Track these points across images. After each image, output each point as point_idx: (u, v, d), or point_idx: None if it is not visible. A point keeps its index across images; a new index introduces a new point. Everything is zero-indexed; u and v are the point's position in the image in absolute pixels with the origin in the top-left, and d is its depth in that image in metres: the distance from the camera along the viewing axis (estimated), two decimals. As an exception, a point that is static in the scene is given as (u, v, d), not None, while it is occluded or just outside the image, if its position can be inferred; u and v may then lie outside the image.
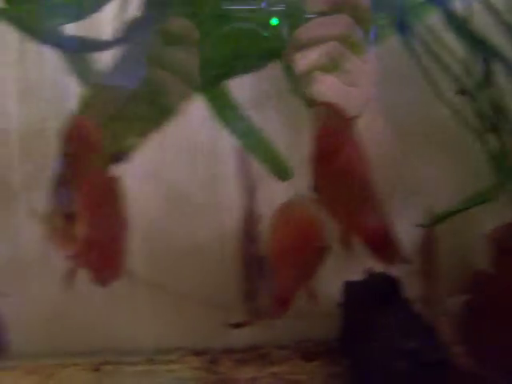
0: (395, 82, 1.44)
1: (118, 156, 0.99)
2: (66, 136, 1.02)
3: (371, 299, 1.27)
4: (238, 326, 1.03)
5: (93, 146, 1.01)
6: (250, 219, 1.20)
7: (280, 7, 1.15)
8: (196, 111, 1.28)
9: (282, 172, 1.20)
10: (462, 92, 1.24)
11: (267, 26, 1.12)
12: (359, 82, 1.05)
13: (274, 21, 1.11)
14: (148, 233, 1.45)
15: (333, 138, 1.04)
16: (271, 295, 1.22)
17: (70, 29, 1.04)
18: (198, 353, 1.50)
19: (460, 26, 1.21)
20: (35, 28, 0.97)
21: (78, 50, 0.95)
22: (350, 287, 1.37)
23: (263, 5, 1.13)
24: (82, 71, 0.98)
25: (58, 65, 1.40)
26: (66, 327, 1.50)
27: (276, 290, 1.19)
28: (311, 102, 1.12)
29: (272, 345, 1.51)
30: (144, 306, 1.49)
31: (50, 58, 1.40)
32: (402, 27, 1.26)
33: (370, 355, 1.13)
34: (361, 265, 1.22)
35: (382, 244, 1.03)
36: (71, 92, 1.40)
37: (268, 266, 1.16)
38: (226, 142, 1.34)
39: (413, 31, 1.28)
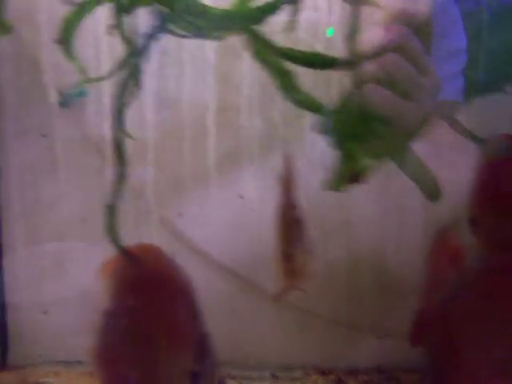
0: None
1: (355, 177, 0.97)
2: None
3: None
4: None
5: None
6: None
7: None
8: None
9: (433, 193, 1.17)
10: None
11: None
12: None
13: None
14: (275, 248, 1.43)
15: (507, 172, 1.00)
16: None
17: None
18: (322, 372, 1.47)
19: None
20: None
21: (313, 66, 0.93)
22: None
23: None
24: (286, 86, 0.96)
25: (197, 75, 1.42)
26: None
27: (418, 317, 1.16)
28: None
29: (398, 368, 1.46)
30: (269, 320, 1.47)
31: (189, 68, 1.41)
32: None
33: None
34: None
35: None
36: (208, 103, 1.42)
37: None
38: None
39: None
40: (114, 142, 0.94)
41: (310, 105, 0.94)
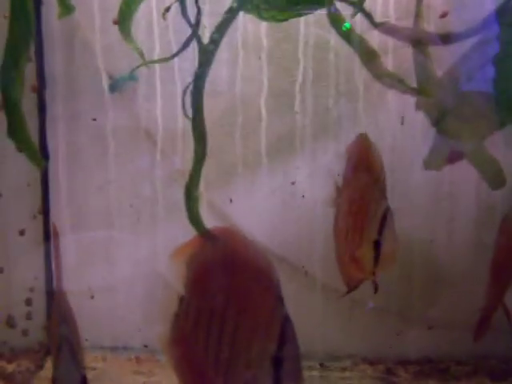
0: None
1: (455, 155, 0.95)
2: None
3: None
4: None
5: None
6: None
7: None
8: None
9: (497, 181, 1.14)
10: None
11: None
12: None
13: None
14: (325, 235, 1.42)
15: None
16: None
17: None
18: (370, 361, 1.46)
19: None
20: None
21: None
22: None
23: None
24: (372, 64, 0.94)
25: (249, 60, 1.40)
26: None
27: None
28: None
29: (449, 359, 1.44)
30: (318, 309, 1.45)
31: (242, 54, 1.39)
32: None
33: None
34: None
35: None
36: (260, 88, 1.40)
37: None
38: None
39: None
40: (194, 121, 0.92)
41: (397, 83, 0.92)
